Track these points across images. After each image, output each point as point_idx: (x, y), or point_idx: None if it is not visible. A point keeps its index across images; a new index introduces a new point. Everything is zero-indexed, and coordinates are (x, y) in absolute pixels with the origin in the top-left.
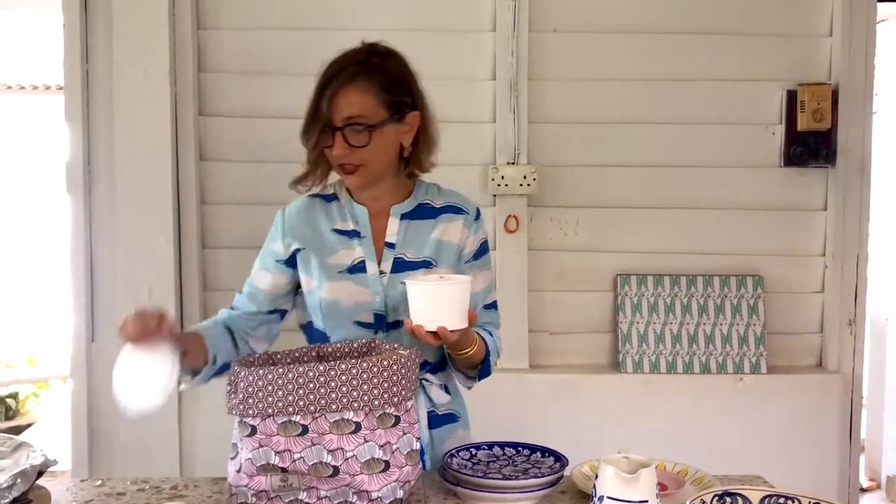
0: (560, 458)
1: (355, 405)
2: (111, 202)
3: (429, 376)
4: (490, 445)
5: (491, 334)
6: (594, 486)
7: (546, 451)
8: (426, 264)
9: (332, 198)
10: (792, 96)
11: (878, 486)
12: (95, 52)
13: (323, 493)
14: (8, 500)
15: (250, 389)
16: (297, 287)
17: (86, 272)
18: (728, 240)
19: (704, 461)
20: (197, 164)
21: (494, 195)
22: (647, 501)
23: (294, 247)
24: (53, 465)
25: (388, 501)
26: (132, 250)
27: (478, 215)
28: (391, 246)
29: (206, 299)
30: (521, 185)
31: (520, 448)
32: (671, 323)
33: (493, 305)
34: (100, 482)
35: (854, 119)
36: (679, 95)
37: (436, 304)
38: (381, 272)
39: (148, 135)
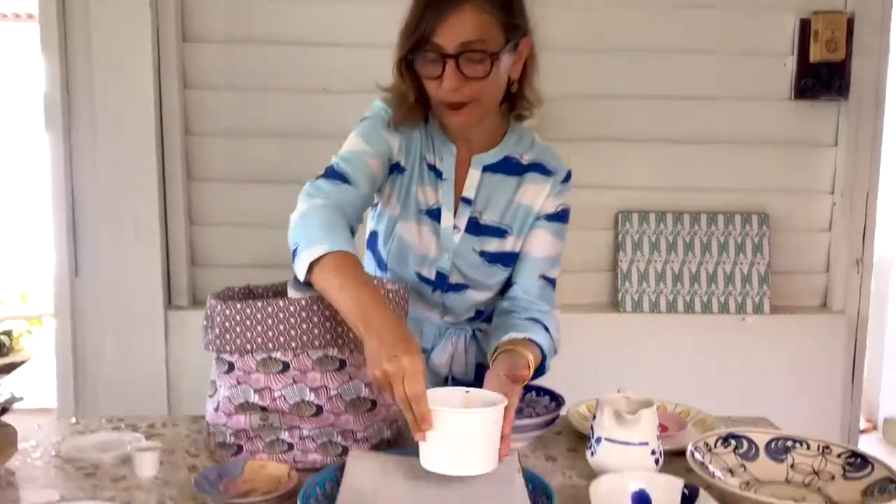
0: (556, 398)
1: (339, 341)
2: (92, 135)
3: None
4: None
5: (546, 328)
6: (591, 427)
7: (541, 391)
8: (501, 233)
9: (424, 120)
10: (805, 25)
11: (875, 428)
12: None
13: (305, 433)
14: None
15: (227, 324)
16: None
17: (67, 207)
18: (734, 176)
19: (706, 402)
20: (181, 92)
21: None
22: (647, 443)
23: (400, 159)
24: (18, 402)
25: (374, 442)
26: (115, 184)
27: (567, 177)
28: (467, 202)
29: (193, 234)
30: None
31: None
32: (672, 261)
33: (552, 282)
34: (74, 420)
35: (869, 50)
36: (687, 23)
37: (456, 439)
38: (455, 227)
39: (129, 63)
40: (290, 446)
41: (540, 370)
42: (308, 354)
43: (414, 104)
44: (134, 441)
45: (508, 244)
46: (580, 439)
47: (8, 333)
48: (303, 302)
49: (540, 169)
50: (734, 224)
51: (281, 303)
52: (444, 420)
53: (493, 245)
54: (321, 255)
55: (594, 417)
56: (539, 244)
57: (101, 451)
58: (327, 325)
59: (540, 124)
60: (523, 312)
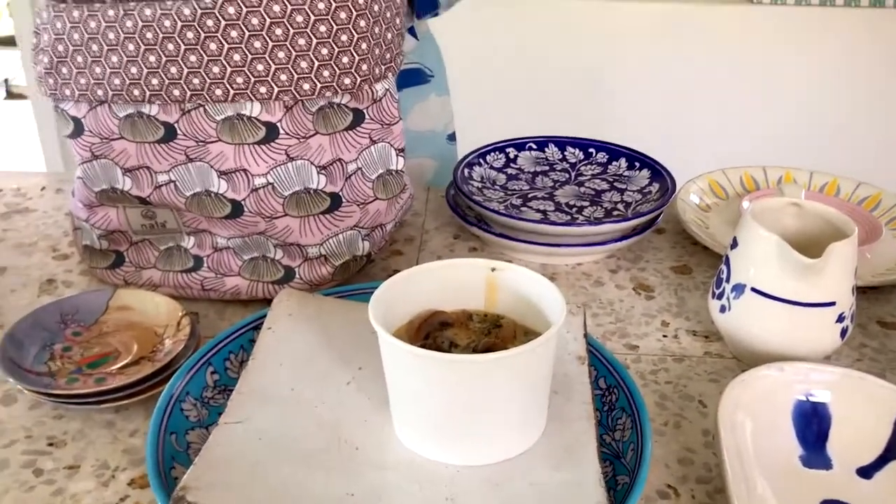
0: (661, 174)
1: (262, 89)
2: None
3: None
4: (542, 143)
5: None
6: (726, 260)
7: (636, 159)
8: None
9: None
10: None
11: None
12: None
13: (221, 243)
14: None
15: (61, 49)
16: None
17: None
18: None
19: (876, 150)
20: None
21: None
22: (833, 304)
23: None
24: None
25: (339, 262)
26: None
27: None
28: None
29: None
30: None
31: (592, 149)
32: None
33: None
34: None
35: None
36: None
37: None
38: None
39: None
40: (199, 261)
41: None
42: (207, 112)
43: None
44: None
45: None
46: (695, 249)
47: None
48: (186, 11)
49: None
50: None
51: (148, 11)
52: (434, 370)
53: None
54: None
55: (733, 244)
56: None
57: None
58: (236, 57)
59: None
60: None
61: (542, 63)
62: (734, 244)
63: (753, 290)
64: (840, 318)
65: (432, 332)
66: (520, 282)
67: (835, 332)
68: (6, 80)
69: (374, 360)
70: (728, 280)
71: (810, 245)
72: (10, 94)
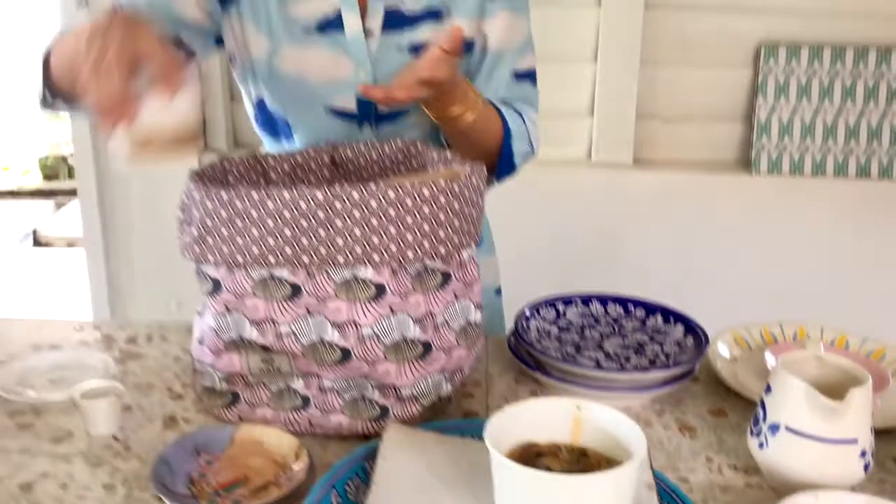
0: (693, 330)
1: (375, 257)
2: None
3: None
4: (586, 299)
5: (520, 114)
6: (762, 404)
7: (670, 315)
8: (434, 15)
9: None
10: None
11: None
12: None
13: (327, 385)
14: None
15: (209, 223)
16: (217, 35)
17: None
18: None
19: (871, 311)
20: None
21: None
22: (855, 440)
23: None
24: None
25: (427, 402)
26: None
27: None
28: None
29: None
30: None
31: (631, 304)
32: (825, 110)
33: (528, 76)
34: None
35: None
36: None
37: None
38: (368, 31)
39: None
40: (306, 401)
41: (505, 157)
42: (329, 275)
43: None
44: (97, 368)
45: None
46: (727, 394)
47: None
48: (319, 196)
49: None
50: None
51: (287, 195)
52: (543, 487)
53: (424, 33)
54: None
55: (767, 390)
56: (498, 31)
57: (53, 382)
58: (356, 232)
59: None
60: None
61: (567, 222)
62: (768, 390)
63: (788, 428)
64: (862, 454)
65: (529, 460)
66: (602, 418)
67: (859, 466)
68: (35, 231)
69: (474, 488)
70: (765, 420)
71: (831, 391)
72: (38, 243)
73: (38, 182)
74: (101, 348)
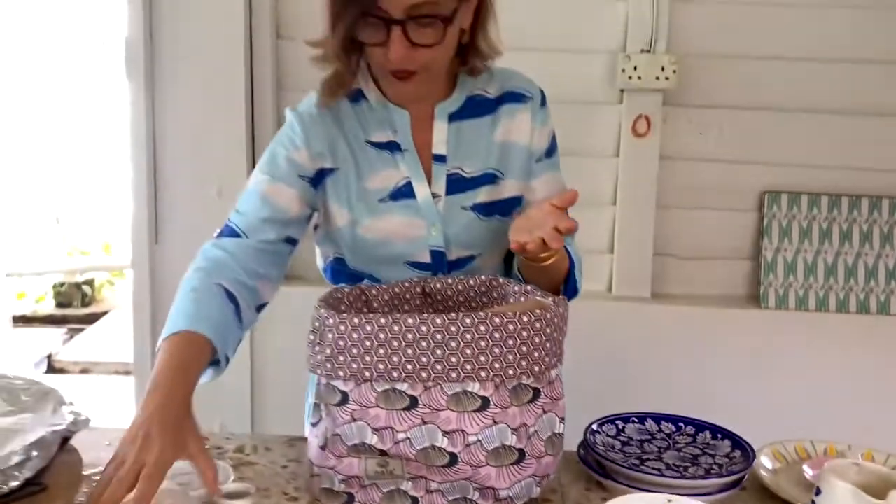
0: (741, 446)
1: (482, 374)
2: (175, 86)
3: None
4: (641, 418)
5: (567, 249)
6: None
7: (719, 432)
8: (490, 178)
9: (358, 96)
10: None
11: None
12: None
13: (434, 486)
14: (18, 482)
15: (341, 343)
16: (311, 214)
17: (148, 163)
18: None
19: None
20: (274, 42)
21: (622, 90)
22: None
23: (324, 164)
24: (84, 427)
25: (521, 503)
26: (199, 141)
27: (544, 100)
28: (441, 159)
29: None
30: (657, 78)
31: (681, 424)
32: (826, 252)
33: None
34: None
35: None
36: None
37: None
38: (435, 195)
39: (217, 8)
40: (415, 501)
41: (571, 283)
42: (442, 389)
43: (350, 75)
44: (221, 475)
45: (505, 190)
46: (773, 500)
47: (90, 283)
48: (438, 321)
49: (513, 98)
50: None
51: (410, 320)
52: None
53: (483, 194)
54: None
55: (817, 492)
56: (542, 186)
57: (182, 486)
58: (468, 351)
59: (677, 86)
60: None
61: (590, 351)
62: (818, 492)
63: None
64: None
65: None
66: None
67: None
68: (49, 356)
69: None
70: None
71: (871, 494)
72: (52, 369)
73: (50, 308)
74: (215, 456)
